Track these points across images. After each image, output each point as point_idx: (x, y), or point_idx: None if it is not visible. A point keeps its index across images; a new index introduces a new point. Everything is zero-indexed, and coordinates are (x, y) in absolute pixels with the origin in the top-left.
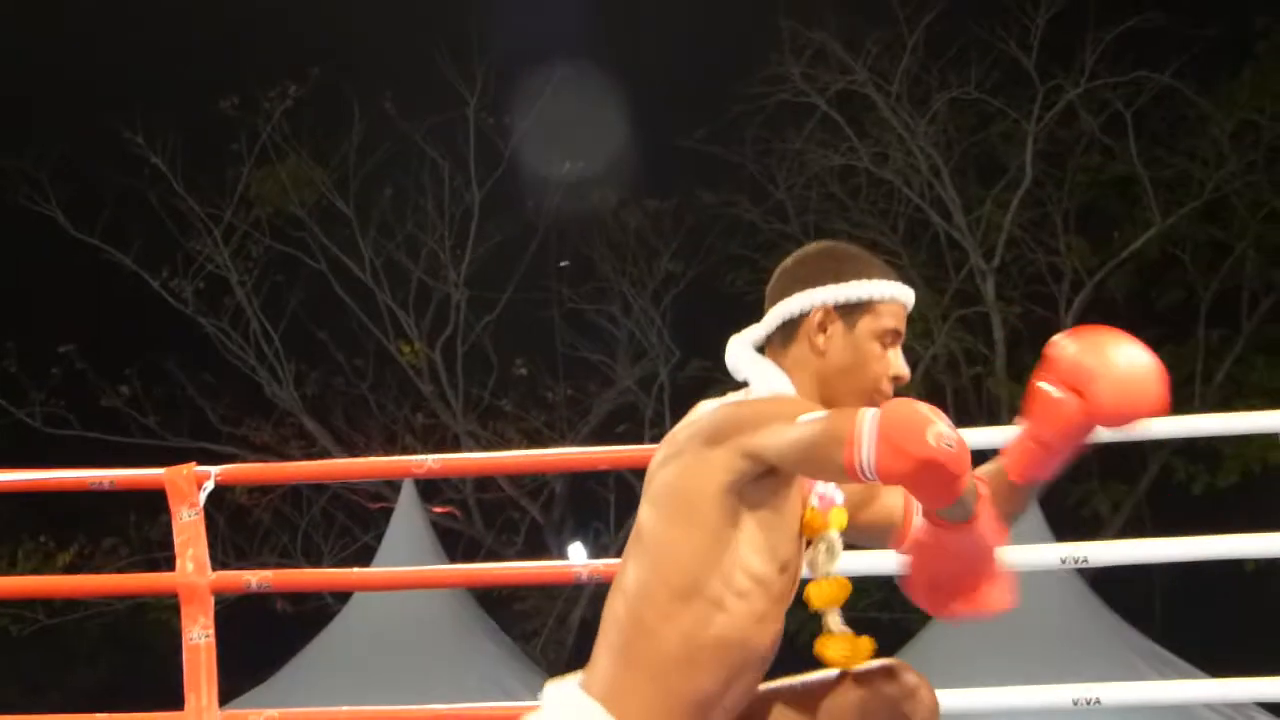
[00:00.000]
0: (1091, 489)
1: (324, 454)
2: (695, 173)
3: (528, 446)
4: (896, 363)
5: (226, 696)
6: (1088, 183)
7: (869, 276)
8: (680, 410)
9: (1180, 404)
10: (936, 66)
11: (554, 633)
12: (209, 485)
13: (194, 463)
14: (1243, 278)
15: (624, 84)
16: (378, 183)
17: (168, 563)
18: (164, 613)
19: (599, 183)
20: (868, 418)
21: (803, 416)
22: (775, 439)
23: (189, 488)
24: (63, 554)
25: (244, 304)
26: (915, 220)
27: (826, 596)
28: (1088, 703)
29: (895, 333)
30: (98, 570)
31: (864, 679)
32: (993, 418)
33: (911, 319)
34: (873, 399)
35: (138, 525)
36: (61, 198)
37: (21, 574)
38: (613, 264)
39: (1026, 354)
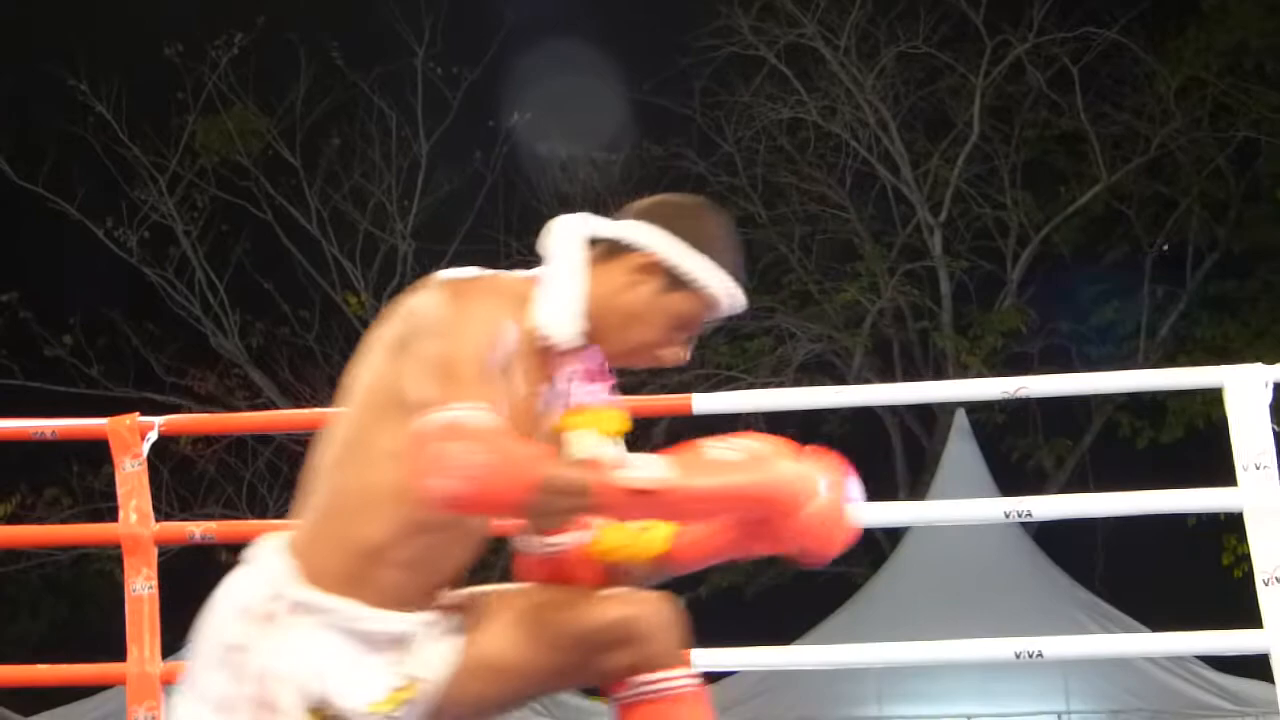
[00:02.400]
0: (1036, 443)
1: (269, 405)
2: (644, 125)
3: None
4: (676, 350)
5: (169, 649)
6: (1035, 138)
7: (719, 264)
8: None
9: (1125, 359)
10: (885, 20)
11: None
12: (152, 436)
13: (137, 413)
14: (1188, 233)
15: (573, 35)
16: (324, 132)
17: (111, 514)
18: (107, 564)
19: (547, 134)
20: (441, 450)
21: (445, 408)
22: (416, 393)
23: (132, 438)
24: (4, 504)
25: (189, 254)
26: (863, 174)
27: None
28: (1030, 655)
29: (698, 324)
30: (40, 521)
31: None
32: (939, 371)
33: (859, 273)
34: (629, 358)
35: (80, 476)
36: (4, 145)
37: None
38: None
39: (973, 308)
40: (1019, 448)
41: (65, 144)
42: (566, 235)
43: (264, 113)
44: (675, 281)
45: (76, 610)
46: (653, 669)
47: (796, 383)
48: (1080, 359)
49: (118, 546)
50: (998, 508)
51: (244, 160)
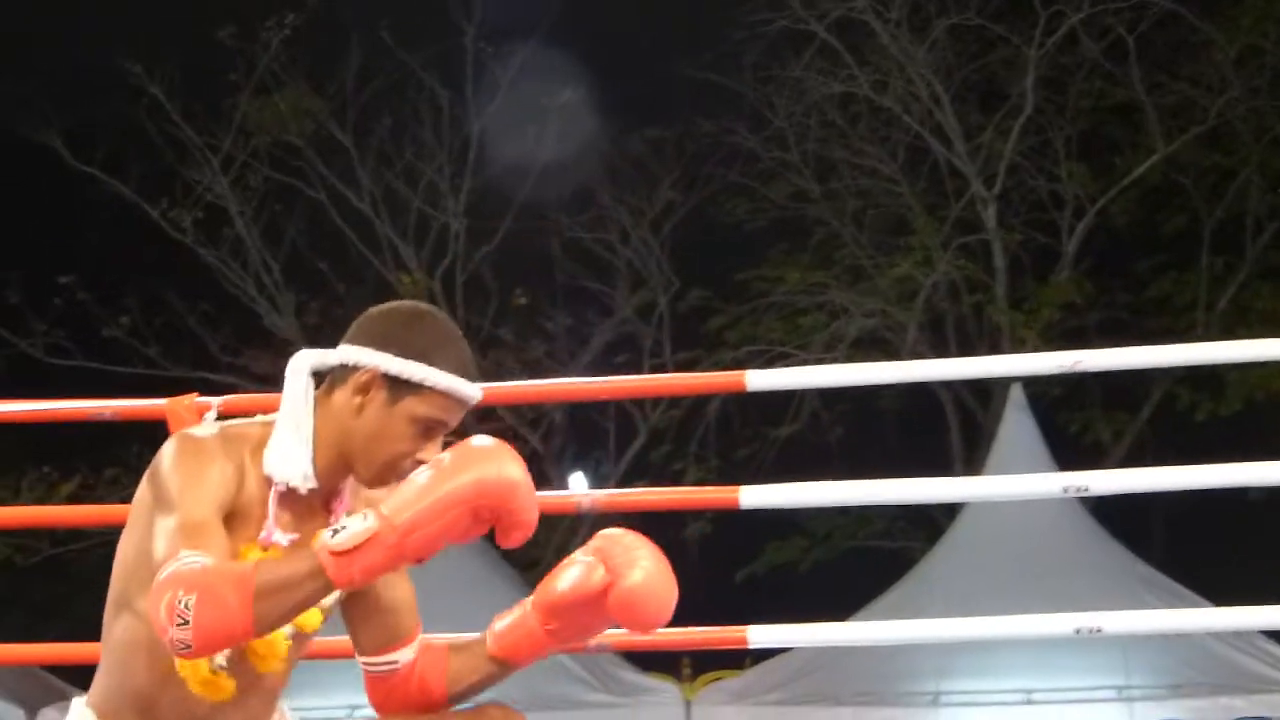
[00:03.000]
0: (1093, 417)
1: None
2: (695, 101)
3: (527, 376)
4: (428, 452)
5: None
6: (1090, 109)
7: (435, 363)
8: (680, 339)
9: (1183, 332)
10: None
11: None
12: (211, 415)
13: (195, 393)
14: (1246, 204)
15: (624, 11)
16: (376, 112)
17: None
18: None
19: (598, 111)
20: (161, 605)
21: (172, 558)
22: (155, 556)
23: (191, 417)
24: (65, 484)
25: (243, 234)
26: (915, 148)
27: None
28: (1090, 631)
29: (440, 423)
30: (100, 501)
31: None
32: (993, 346)
33: (912, 247)
34: (383, 476)
35: (139, 455)
36: (61, 128)
37: (25, 504)
38: (612, 193)
39: (1028, 281)
40: (1076, 422)
41: (120, 127)
42: (292, 373)
43: (316, 93)
44: (395, 385)
45: None
46: None
47: (850, 358)
48: (1137, 332)
49: None
50: (1055, 483)
51: (296, 140)
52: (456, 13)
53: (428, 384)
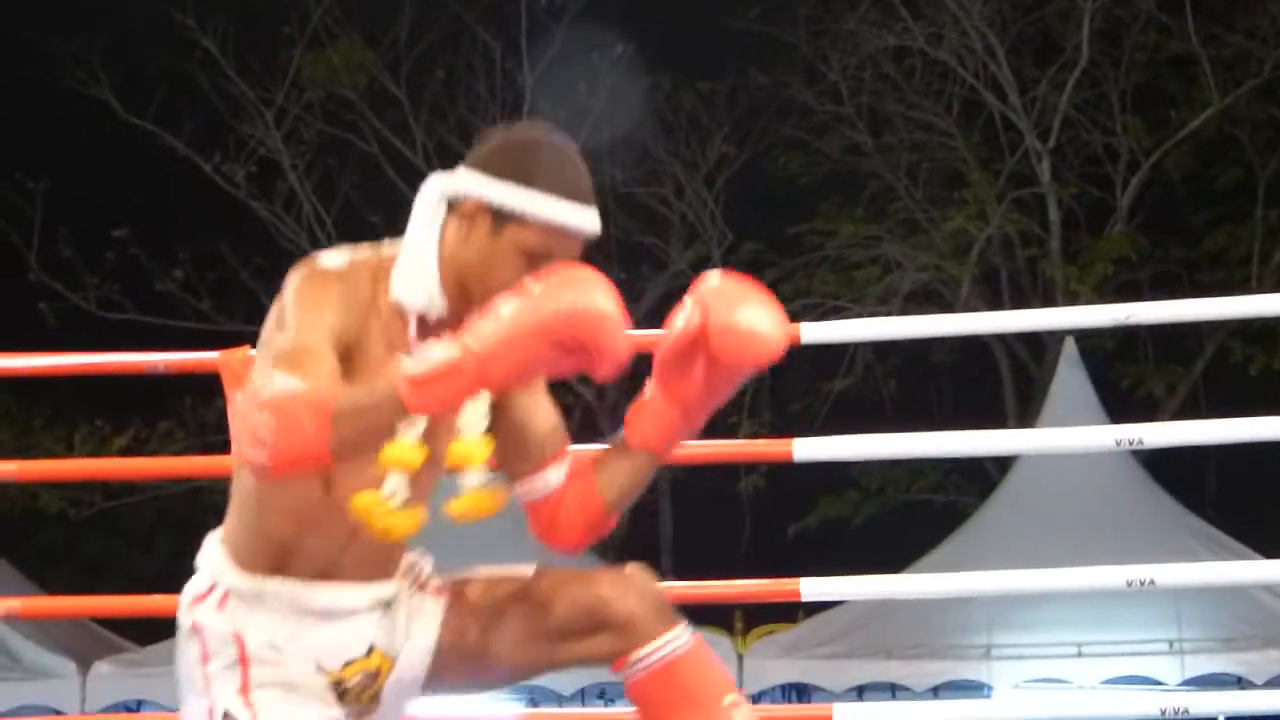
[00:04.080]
0: (1146, 371)
1: None
2: (748, 54)
3: None
4: (527, 276)
5: None
6: (1145, 62)
7: (540, 188)
8: None
9: (1237, 285)
10: None
11: None
12: None
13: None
14: None
15: None
16: (429, 65)
17: (223, 446)
18: (219, 496)
19: (652, 65)
20: (245, 427)
21: (269, 380)
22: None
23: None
24: (118, 438)
25: (296, 188)
26: (970, 101)
27: (455, 456)
28: (1141, 584)
29: (547, 257)
30: (154, 454)
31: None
32: (1047, 299)
33: (966, 201)
34: (476, 302)
35: (193, 409)
36: (113, 81)
37: (78, 457)
38: (665, 146)
39: (1082, 235)
40: (1129, 376)
41: (173, 80)
42: (423, 198)
43: (369, 46)
44: (500, 218)
45: (190, 543)
46: (638, 646)
47: (903, 312)
48: (1191, 285)
49: (230, 479)
50: (1108, 435)
51: (349, 94)
52: None
53: (530, 213)
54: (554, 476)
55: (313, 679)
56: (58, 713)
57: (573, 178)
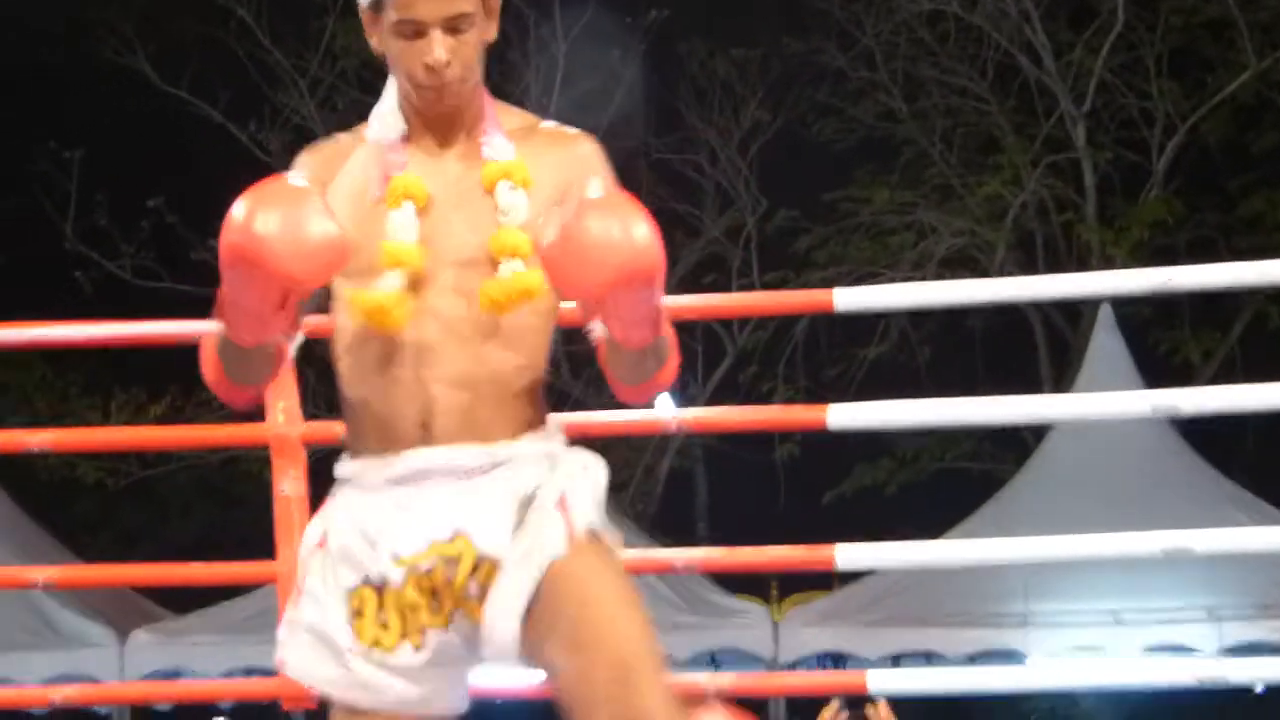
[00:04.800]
0: (1183, 337)
1: None
2: (782, 20)
3: None
4: (423, 53)
5: None
6: (1181, 25)
7: None
8: (768, 260)
9: (1275, 249)
10: None
11: (641, 484)
12: (298, 338)
13: None
14: None
15: None
16: None
17: (259, 414)
18: (255, 465)
19: (686, 31)
20: None
21: None
22: None
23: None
24: (155, 406)
25: None
26: (1005, 66)
27: (498, 245)
28: (1178, 552)
29: (411, 23)
30: (190, 423)
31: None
32: (1083, 264)
33: (1001, 166)
34: (421, 98)
35: None
36: (148, 51)
37: (114, 426)
38: (699, 113)
39: (1118, 200)
40: (1165, 341)
41: (207, 50)
42: None
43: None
44: (374, 11)
45: (226, 512)
46: None
47: (938, 277)
48: (1229, 250)
49: (266, 447)
50: (1144, 401)
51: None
52: None
53: None
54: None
55: (387, 569)
56: (96, 681)
57: None
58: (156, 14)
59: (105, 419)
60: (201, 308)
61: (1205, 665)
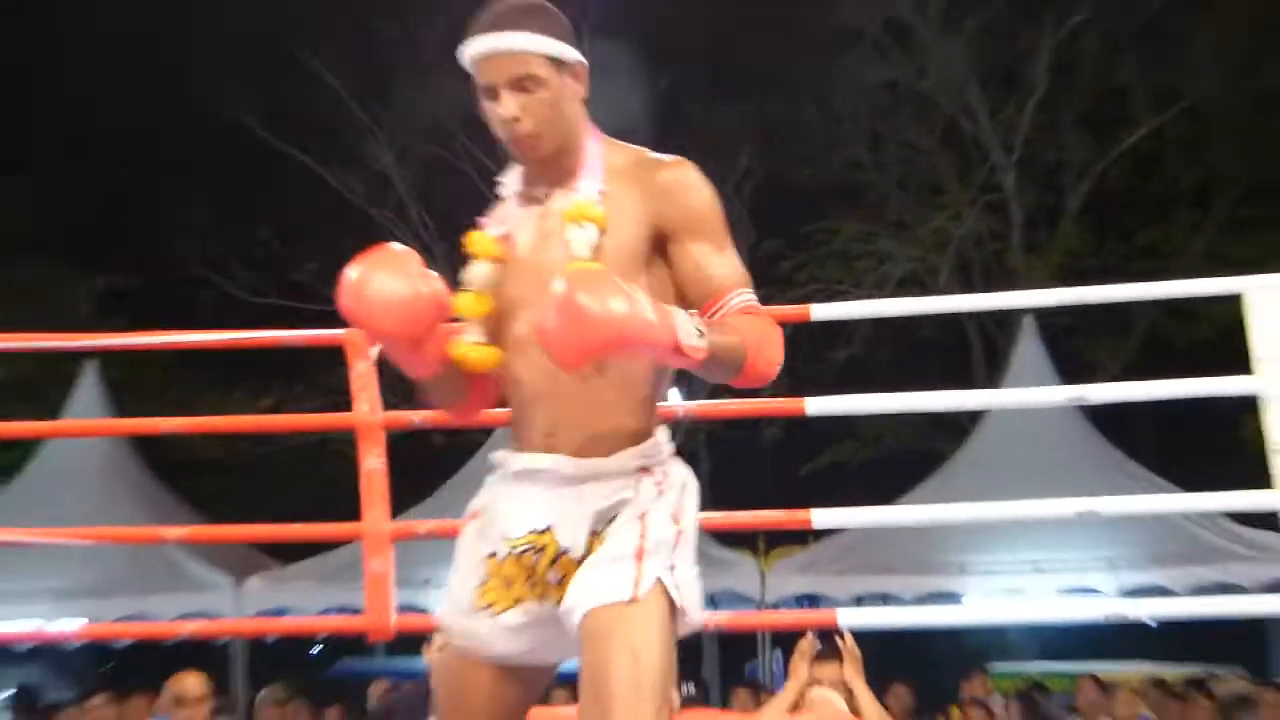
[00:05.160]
0: (1093, 342)
1: None
2: (770, 89)
3: None
4: (498, 111)
5: (395, 512)
6: (1091, 90)
7: (464, 43)
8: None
9: (1165, 272)
10: None
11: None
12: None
13: None
14: (1217, 170)
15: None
16: None
17: (347, 405)
18: (344, 446)
19: (688, 91)
20: None
21: None
22: None
23: (364, 345)
24: (264, 399)
25: (404, 197)
26: (948, 124)
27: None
28: (1087, 514)
29: (488, 88)
30: (291, 411)
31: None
32: (1010, 284)
33: (945, 205)
34: (513, 148)
35: (323, 374)
36: (257, 110)
37: (231, 415)
38: (700, 161)
39: (1039, 232)
40: (1078, 346)
41: (304, 108)
42: None
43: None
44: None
45: (321, 485)
46: None
47: (895, 294)
48: (1128, 273)
49: (353, 431)
50: (1060, 394)
51: (448, 123)
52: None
53: (467, 63)
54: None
55: (500, 545)
56: (217, 617)
57: (486, 17)
58: (265, 81)
59: (224, 409)
60: (301, 319)
61: (1108, 604)
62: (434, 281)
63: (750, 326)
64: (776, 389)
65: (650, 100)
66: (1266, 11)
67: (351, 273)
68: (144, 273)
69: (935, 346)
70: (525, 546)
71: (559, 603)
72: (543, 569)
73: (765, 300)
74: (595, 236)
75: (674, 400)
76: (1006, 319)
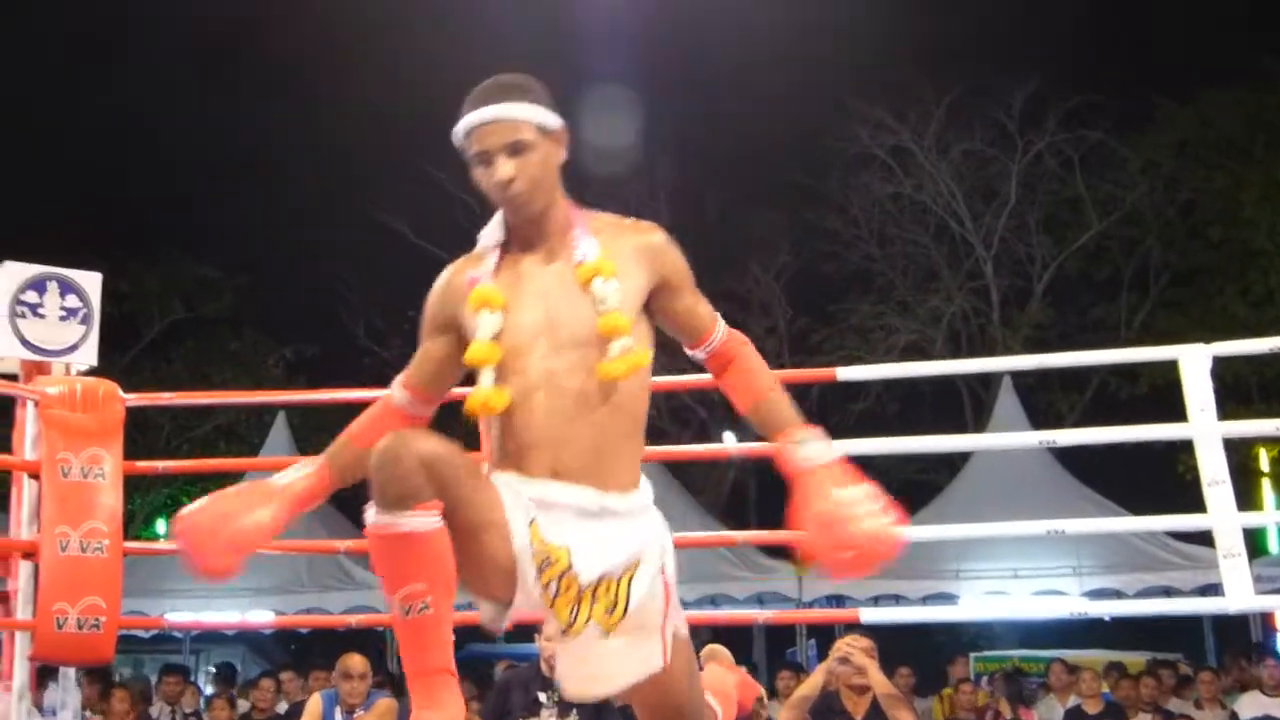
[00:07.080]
0: (1056, 396)
1: None
2: (797, 198)
3: (697, 370)
4: (491, 176)
5: None
6: (1051, 201)
7: (461, 115)
8: (793, 349)
9: (1111, 343)
10: (954, 127)
11: (715, 492)
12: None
13: None
14: (1150, 261)
15: (743, 130)
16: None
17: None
18: None
19: (733, 203)
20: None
21: None
22: None
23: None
24: None
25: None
26: (941, 225)
27: (604, 326)
28: (1056, 532)
29: (481, 154)
30: None
31: None
32: (990, 351)
33: (939, 289)
34: (506, 209)
35: (451, 426)
36: (408, 218)
37: None
38: (744, 255)
39: (1012, 310)
40: (1045, 399)
41: (446, 217)
42: None
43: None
44: (463, 153)
45: None
46: None
47: (900, 359)
48: (1082, 342)
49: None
50: (1033, 438)
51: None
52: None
53: (463, 134)
54: (699, 354)
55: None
56: (377, 610)
57: (477, 94)
58: (451, 191)
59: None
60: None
61: (1073, 603)
62: (259, 513)
63: (764, 368)
64: None
65: (710, 209)
66: (1187, 138)
67: (190, 510)
68: (322, 344)
69: (933, 401)
70: (537, 549)
71: (551, 605)
72: (547, 576)
73: (798, 365)
74: (618, 288)
75: (729, 441)
76: (989, 379)
